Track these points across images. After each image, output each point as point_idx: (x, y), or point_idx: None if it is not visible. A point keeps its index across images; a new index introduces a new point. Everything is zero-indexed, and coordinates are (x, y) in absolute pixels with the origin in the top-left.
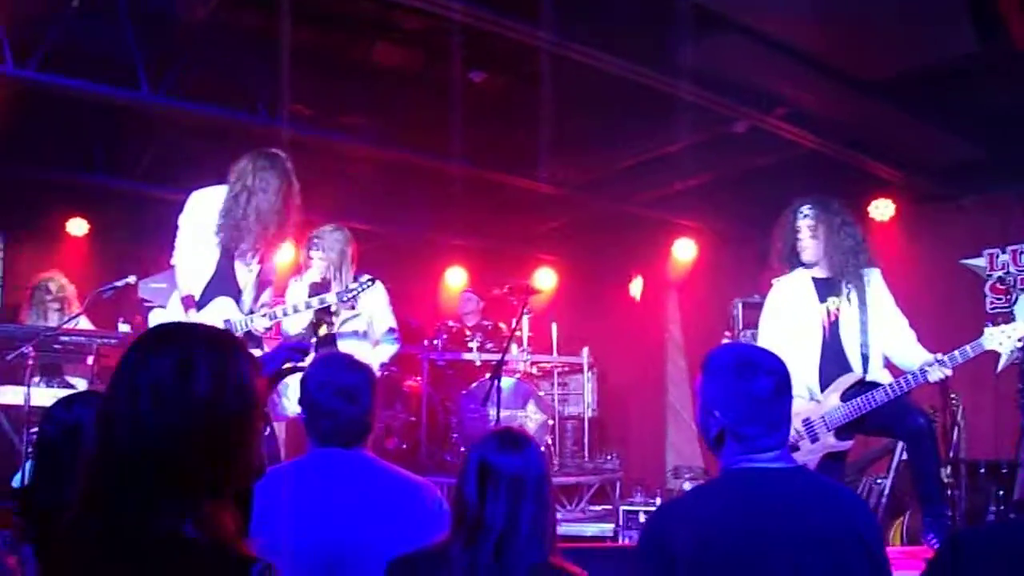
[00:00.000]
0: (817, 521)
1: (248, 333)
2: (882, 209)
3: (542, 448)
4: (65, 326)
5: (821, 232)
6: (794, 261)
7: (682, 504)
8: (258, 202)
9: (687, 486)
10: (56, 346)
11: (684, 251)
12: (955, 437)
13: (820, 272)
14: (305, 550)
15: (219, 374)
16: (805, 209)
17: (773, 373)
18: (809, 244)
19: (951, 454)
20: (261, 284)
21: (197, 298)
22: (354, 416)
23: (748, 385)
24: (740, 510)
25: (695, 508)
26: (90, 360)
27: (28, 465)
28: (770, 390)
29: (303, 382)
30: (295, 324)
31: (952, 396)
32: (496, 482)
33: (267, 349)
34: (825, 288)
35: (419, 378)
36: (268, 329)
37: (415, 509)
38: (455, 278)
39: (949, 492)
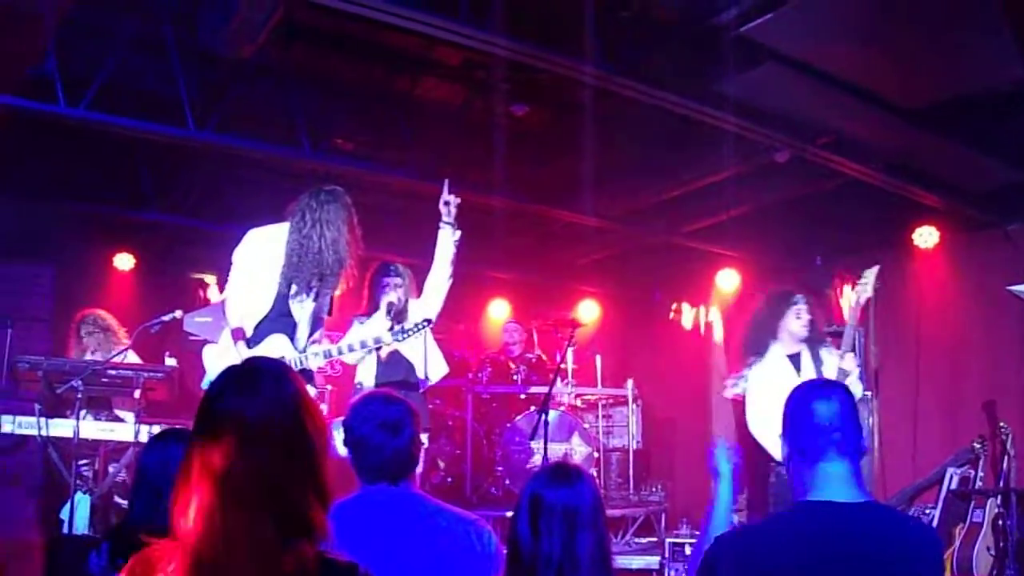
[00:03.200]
0: (873, 562)
1: (302, 371)
2: (926, 237)
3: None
4: (113, 360)
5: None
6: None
7: (733, 538)
8: (326, 235)
9: (736, 518)
10: (104, 380)
11: (727, 281)
12: (1005, 466)
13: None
14: None
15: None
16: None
17: (833, 398)
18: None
19: (1000, 483)
20: (315, 321)
21: (248, 333)
22: (399, 447)
23: (811, 409)
24: (793, 549)
25: (746, 543)
26: (137, 394)
27: (80, 499)
28: (831, 414)
29: (346, 422)
30: (352, 360)
31: (1001, 425)
32: (549, 516)
33: (318, 386)
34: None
35: (464, 411)
36: (321, 367)
37: (468, 546)
38: (498, 311)
39: (1000, 522)
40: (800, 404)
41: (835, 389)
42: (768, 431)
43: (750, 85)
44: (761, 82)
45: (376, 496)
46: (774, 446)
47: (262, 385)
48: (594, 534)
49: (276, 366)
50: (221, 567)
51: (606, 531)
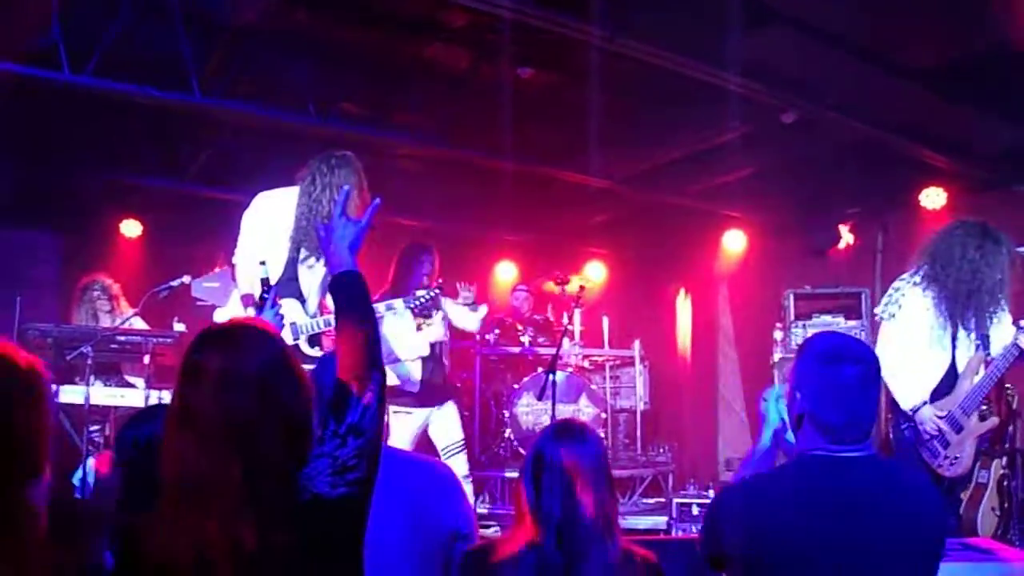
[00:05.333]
0: (876, 514)
1: (312, 336)
2: (933, 198)
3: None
4: (121, 326)
5: None
6: None
7: (738, 489)
8: (336, 199)
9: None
10: (113, 346)
11: (734, 242)
12: (1011, 428)
13: None
14: None
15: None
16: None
17: (860, 362)
18: None
19: (1007, 445)
20: (326, 286)
21: (256, 298)
22: None
23: (833, 371)
24: (798, 501)
25: (750, 495)
26: (146, 359)
27: (89, 462)
28: (855, 378)
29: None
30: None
31: (1007, 387)
32: (550, 473)
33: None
34: None
35: (472, 373)
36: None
37: (429, 486)
38: (506, 273)
39: (1005, 483)
40: (828, 371)
41: (867, 360)
42: (897, 375)
43: (756, 46)
44: (767, 43)
45: None
46: (902, 394)
47: (242, 340)
48: (595, 494)
49: (256, 324)
50: (195, 505)
51: (610, 492)
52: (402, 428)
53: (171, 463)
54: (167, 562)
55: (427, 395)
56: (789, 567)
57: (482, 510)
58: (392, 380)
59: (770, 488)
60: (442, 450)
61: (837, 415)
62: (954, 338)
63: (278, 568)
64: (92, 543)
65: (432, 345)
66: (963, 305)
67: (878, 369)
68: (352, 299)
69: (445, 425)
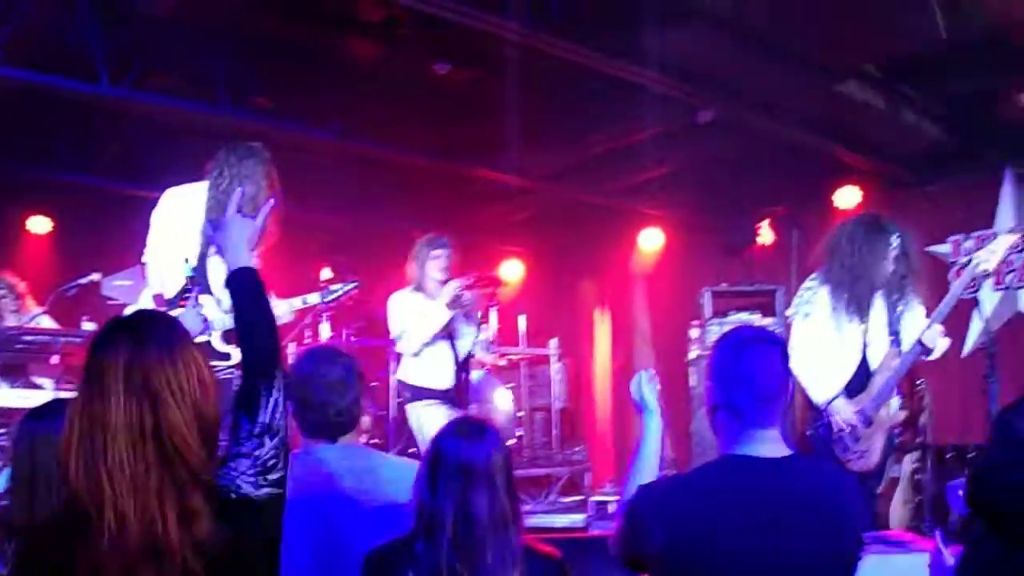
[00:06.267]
0: (800, 512)
1: (227, 332)
2: (848, 196)
3: (510, 438)
4: (27, 325)
5: None
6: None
7: (661, 489)
8: (244, 191)
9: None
10: (19, 346)
11: (651, 240)
12: (922, 422)
13: None
14: (313, 539)
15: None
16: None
17: (765, 342)
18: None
19: (918, 439)
20: None
21: (169, 296)
22: (342, 408)
23: (738, 355)
24: (721, 501)
25: (674, 496)
26: (55, 359)
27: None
28: (760, 357)
29: (290, 376)
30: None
31: (918, 381)
32: (446, 472)
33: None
34: None
35: (386, 371)
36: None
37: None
38: None
39: (917, 477)
40: (736, 356)
41: (772, 341)
42: (808, 371)
43: (674, 43)
44: (685, 40)
45: (321, 452)
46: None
47: (146, 333)
48: (490, 492)
49: (162, 316)
50: (113, 515)
51: (509, 491)
52: (440, 419)
53: (79, 465)
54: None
55: (455, 398)
56: (711, 570)
57: None
58: (422, 379)
59: (691, 488)
60: None
61: (744, 395)
62: (864, 334)
63: (200, 571)
64: None
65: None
66: (861, 299)
67: (785, 352)
68: (245, 297)
69: None
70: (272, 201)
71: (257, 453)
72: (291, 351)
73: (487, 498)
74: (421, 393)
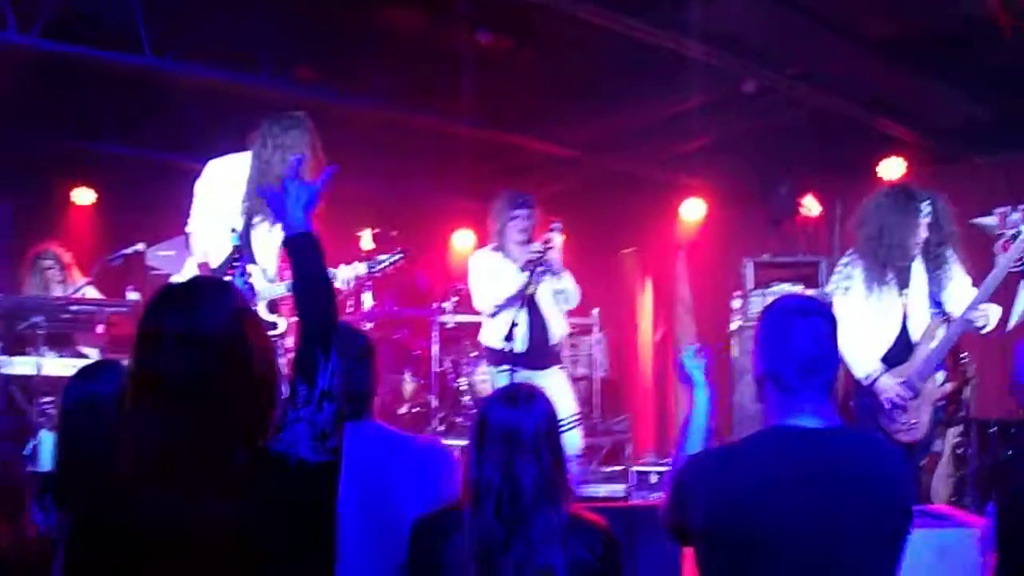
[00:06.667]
0: (844, 484)
1: (272, 301)
2: (893, 168)
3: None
4: (73, 295)
5: None
6: None
7: (704, 460)
8: (288, 160)
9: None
10: (65, 316)
11: (693, 211)
12: (965, 396)
13: None
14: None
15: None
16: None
17: (811, 314)
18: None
19: (962, 414)
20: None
21: (214, 266)
22: (356, 382)
23: (785, 324)
24: (763, 476)
25: (717, 467)
26: (100, 329)
27: (44, 436)
28: (805, 327)
29: None
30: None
31: (962, 356)
32: (491, 439)
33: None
34: None
35: (429, 341)
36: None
37: (430, 469)
38: (463, 240)
39: (960, 451)
40: (782, 326)
41: (821, 313)
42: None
43: (718, 13)
44: (730, 10)
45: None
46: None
47: (200, 299)
48: (536, 461)
49: (215, 282)
50: (166, 472)
51: (556, 459)
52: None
53: (133, 432)
54: (132, 536)
55: (530, 358)
56: (755, 541)
57: None
58: (493, 340)
59: (736, 459)
60: None
61: (790, 365)
62: (905, 304)
63: (249, 538)
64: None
65: (535, 306)
66: (899, 270)
67: (833, 322)
68: (306, 261)
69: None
70: (335, 166)
71: (315, 419)
72: None
73: (533, 467)
74: (495, 356)
